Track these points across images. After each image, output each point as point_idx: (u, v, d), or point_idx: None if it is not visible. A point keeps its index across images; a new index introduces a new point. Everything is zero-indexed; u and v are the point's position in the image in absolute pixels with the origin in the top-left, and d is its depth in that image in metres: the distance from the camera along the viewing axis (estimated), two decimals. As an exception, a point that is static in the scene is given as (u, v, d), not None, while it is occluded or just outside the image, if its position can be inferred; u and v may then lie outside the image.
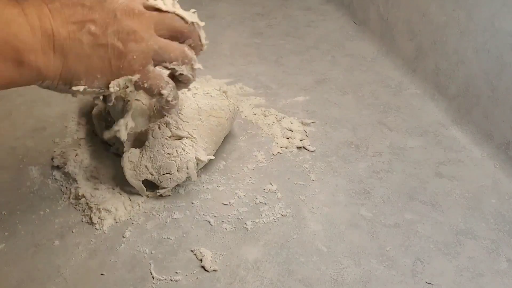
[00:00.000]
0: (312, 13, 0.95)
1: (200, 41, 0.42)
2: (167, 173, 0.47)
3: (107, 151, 0.53)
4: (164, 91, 0.40)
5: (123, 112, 0.46)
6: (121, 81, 0.37)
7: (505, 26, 0.52)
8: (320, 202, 0.48)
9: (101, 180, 0.49)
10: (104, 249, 0.43)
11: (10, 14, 0.32)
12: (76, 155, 0.52)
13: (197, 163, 0.48)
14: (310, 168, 0.53)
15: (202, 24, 0.41)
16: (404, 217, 0.47)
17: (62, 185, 0.49)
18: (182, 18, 0.39)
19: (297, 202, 0.48)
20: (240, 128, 0.59)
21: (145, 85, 0.39)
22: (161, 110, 0.46)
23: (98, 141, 0.55)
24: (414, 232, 0.45)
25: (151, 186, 0.48)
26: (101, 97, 0.43)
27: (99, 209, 0.45)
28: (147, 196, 0.48)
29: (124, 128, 0.43)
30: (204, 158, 0.48)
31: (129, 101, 0.45)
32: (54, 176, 0.51)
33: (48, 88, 0.36)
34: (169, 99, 0.41)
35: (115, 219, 0.45)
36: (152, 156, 0.47)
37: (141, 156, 0.47)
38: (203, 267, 0.41)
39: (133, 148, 0.48)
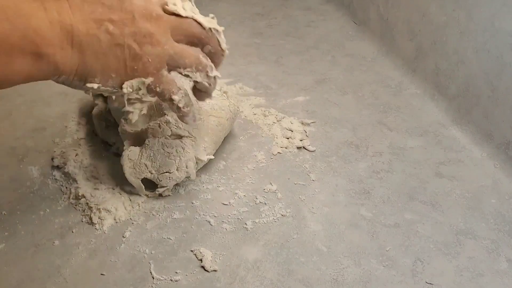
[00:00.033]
0: (312, 13, 0.95)
1: (220, 46, 0.41)
2: (166, 172, 0.47)
3: (107, 151, 0.54)
4: (175, 97, 0.40)
5: (124, 114, 0.45)
6: (134, 82, 0.37)
7: (505, 26, 0.52)
8: (320, 202, 0.48)
9: (101, 180, 0.49)
10: (104, 249, 0.43)
11: (30, 8, 0.32)
12: (76, 155, 0.52)
13: (196, 162, 0.48)
14: (310, 168, 0.53)
15: (221, 29, 0.41)
16: (404, 217, 0.47)
17: (62, 185, 0.49)
18: (200, 24, 0.39)
19: (297, 202, 0.48)
20: (240, 128, 0.59)
21: (158, 89, 0.38)
22: (179, 117, 0.44)
23: (98, 141, 0.55)
24: (414, 232, 0.45)
25: (151, 186, 0.48)
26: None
27: (99, 209, 0.45)
28: (147, 195, 0.48)
29: (137, 112, 0.41)
30: (204, 157, 0.48)
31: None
32: (54, 176, 0.51)
33: (63, 83, 0.36)
34: (180, 105, 0.41)
35: (115, 219, 0.45)
36: (151, 154, 0.47)
37: (140, 154, 0.47)
38: (203, 267, 0.41)
39: (133, 146, 0.48)
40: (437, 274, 0.41)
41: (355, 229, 0.45)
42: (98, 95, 0.54)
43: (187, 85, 0.44)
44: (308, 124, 0.60)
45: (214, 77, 0.41)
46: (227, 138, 0.56)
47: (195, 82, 0.41)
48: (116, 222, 0.45)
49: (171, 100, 0.40)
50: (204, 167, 0.51)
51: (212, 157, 0.50)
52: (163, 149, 0.47)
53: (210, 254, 0.42)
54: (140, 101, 0.39)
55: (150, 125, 0.48)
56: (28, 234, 0.44)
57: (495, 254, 0.43)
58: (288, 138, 0.57)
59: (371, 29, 0.83)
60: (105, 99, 0.54)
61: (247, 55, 0.78)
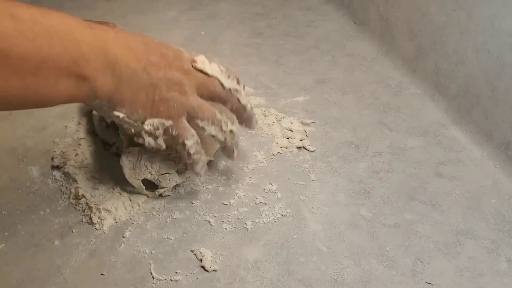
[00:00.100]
0: (312, 13, 0.95)
1: (241, 103, 0.45)
2: (166, 173, 0.47)
3: (107, 151, 0.54)
4: (188, 141, 0.42)
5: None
6: (156, 121, 0.40)
7: (505, 26, 0.52)
8: (320, 202, 0.48)
9: (101, 180, 0.49)
10: (104, 249, 0.43)
11: (82, 34, 0.35)
12: (76, 155, 0.52)
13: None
14: (310, 168, 0.53)
15: (241, 87, 0.45)
16: (404, 217, 0.47)
17: (62, 185, 0.49)
18: (222, 84, 0.43)
19: (297, 202, 0.48)
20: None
21: (174, 132, 0.41)
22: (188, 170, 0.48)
23: (98, 141, 0.55)
24: (414, 232, 0.45)
25: (151, 186, 0.48)
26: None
27: (99, 209, 0.45)
28: (147, 195, 0.48)
29: (143, 142, 0.43)
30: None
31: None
32: (54, 176, 0.51)
33: (92, 105, 0.39)
34: (191, 151, 0.43)
35: (115, 219, 0.45)
36: (151, 155, 0.47)
37: (140, 155, 0.47)
38: (203, 267, 0.41)
39: (132, 147, 0.48)
40: (437, 274, 0.41)
41: (355, 229, 0.45)
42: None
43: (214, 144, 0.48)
44: (308, 124, 0.60)
45: (231, 131, 0.45)
46: (227, 138, 0.56)
47: (212, 136, 0.44)
48: (116, 222, 0.45)
49: (184, 144, 0.42)
50: (204, 167, 0.51)
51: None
52: (163, 150, 0.47)
53: (210, 254, 0.42)
54: (154, 138, 0.42)
55: None
56: (28, 234, 0.44)
57: (495, 254, 0.43)
58: (288, 138, 0.57)
59: (371, 29, 0.83)
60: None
61: (247, 55, 0.78)
